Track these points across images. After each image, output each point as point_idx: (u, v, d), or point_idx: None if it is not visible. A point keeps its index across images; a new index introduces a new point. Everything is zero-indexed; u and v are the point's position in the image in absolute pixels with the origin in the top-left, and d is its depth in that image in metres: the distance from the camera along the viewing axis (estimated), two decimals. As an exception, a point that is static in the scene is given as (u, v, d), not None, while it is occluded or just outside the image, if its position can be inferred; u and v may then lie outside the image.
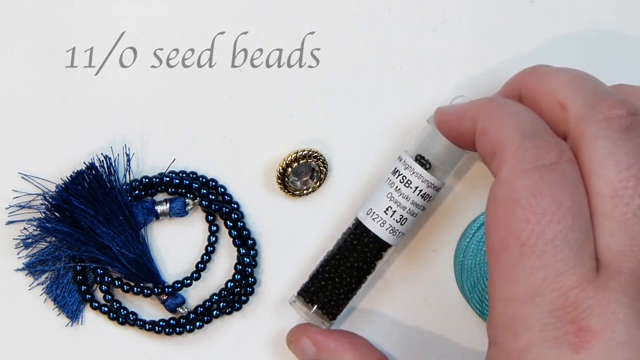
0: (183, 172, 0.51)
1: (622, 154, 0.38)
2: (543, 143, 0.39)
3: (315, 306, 0.49)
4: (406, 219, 0.48)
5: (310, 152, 0.50)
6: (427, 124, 0.48)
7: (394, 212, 0.48)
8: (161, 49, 0.51)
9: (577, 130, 0.39)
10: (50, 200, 0.49)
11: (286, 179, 0.50)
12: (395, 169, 0.48)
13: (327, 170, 0.51)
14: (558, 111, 0.40)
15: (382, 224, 0.48)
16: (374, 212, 0.48)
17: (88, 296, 0.50)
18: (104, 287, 0.50)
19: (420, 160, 0.48)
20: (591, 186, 0.38)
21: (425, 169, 0.48)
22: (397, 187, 0.48)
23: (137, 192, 0.50)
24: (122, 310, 0.50)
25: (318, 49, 0.51)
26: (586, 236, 0.37)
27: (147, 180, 0.50)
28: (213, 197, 0.50)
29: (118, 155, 0.50)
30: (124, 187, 0.50)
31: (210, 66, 0.51)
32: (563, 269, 0.37)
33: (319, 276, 0.49)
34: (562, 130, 0.40)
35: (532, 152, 0.38)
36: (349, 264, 0.49)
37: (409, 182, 0.48)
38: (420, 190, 0.48)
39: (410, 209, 0.48)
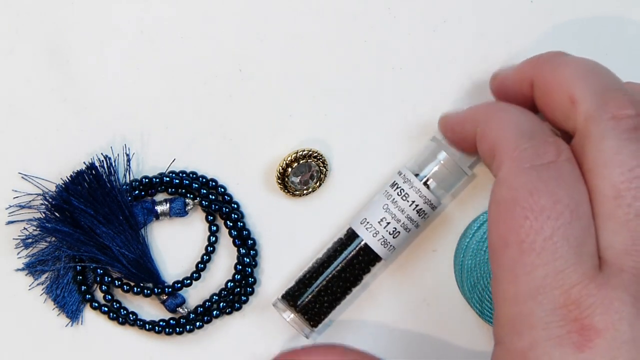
0: (183, 172, 0.51)
1: (627, 154, 0.38)
2: (541, 143, 0.39)
3: (298, 311, 0.49)
4: (399, 232, 0.48)
5: (310, 152, 0.50)
6: (430, 142, 0.49)
7: (388, 223, 0.48)
8: (161, 49, 0.51)
9: (585, 128, 0.39)
10: (50, 200, 0.49)
11: (286, 179, 0.50)
12: (394, 182, 0.48)
13: (327, 170, 0.51)
14: (568, 106, 0.40)
15: (374, 234, 0.48)
16: (368, 222, 0.48)
17: (88, 296, 0.50)
18: (104, 287, 0.50)
19: (420, 177, 0.48)
20: (595, 186, 0.38)
21: (424, 185, 0.48)
22: (394, 199, 0.48)
23: (137, 192, 0.50)
24: (122, 310, 0.50)
25: (318, 49, 0.51)
26: (587, 234, 0.38)
27: (147, 180, 0.50)
28: (213, 197, 0.50)
29: (118, 155, 0.50)
30: (124, 187, 0.50)
31: (211, 66, 0.51)
32: (563, 266, 0.37)
33: (305, 282, 0.49)
34: (571, 125, 0.40)
35: (530, 151, 0.39)
36: (336, 273, 0.49)
37: (406, 195, 0.48)
38: (417, 205, 0.48)
39: (404, 222, 0.48)
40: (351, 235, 0.49)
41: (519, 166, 0.38)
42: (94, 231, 0.49)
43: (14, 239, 0.50)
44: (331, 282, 0.49)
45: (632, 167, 0.37)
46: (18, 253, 0.50)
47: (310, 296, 0.49)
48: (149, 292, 0.50)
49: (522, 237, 0.37)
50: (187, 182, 0.50)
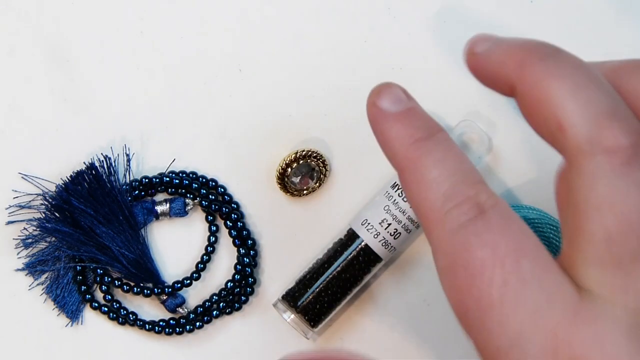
0: (183, 172, 0.51)
1: (621, 195, 0.35)
2: (463, 200, 0.36)
3: (298, 312, 0.49)
4: (400, 233, 0.48)
5: (310, 152, 0.50)
6: None
7: (389, 224, 0.48)
8: (161, 49, 0.51)
9: (575, 161, 0.36)
10: (50, 200, 0.49)
11: (286, 179, 0.50)
12: (395, 183, 0.48)
13: (327, 170, 0.51)
14: (555, 128, 0.37)
15: (375, 235, 0.48)
16: (369, 223, 0.48)
17: (88, 296, 0.50)
18: (104, 287, 0.50)
19: None
20: (584, 226, 0.35)
21: None
22: (395, 200, 0.48)
23: (137, 192, 0.50)
24: (122, 310, 0.50)
25: (318, 49, 0.51)
26: (545, 268, 0.35)
27: (147, 180, 0.50)
28: (213, 197, 0.51)
29: (118, 155, 0.51)
30: (124, 187, 0.50)
31: (211, 66, 0.51)
32: (535, 306, 0.34)
33: (305, 282, 0.49)
34: (558, 147, 0.37)
35: (454, 212, 0.36)
36: (337, 274, 0.49)
37: None
38: None
39: (405, 224, 0.48)
40: (352, 236, 0.49)
41: (447, 230, 0.36)
42: (94, 231, 0.49)
43: (14, 239, 0.50)
44: (331, 282, 0.49)
45: (625, 211, 0.35)
46: (18, 253, 0.50)
47: (310, 297, 0.49)
48: (149, 292, 0.50)
49: (477, 296, 0.35)
50: (187, 182, 0.50)
